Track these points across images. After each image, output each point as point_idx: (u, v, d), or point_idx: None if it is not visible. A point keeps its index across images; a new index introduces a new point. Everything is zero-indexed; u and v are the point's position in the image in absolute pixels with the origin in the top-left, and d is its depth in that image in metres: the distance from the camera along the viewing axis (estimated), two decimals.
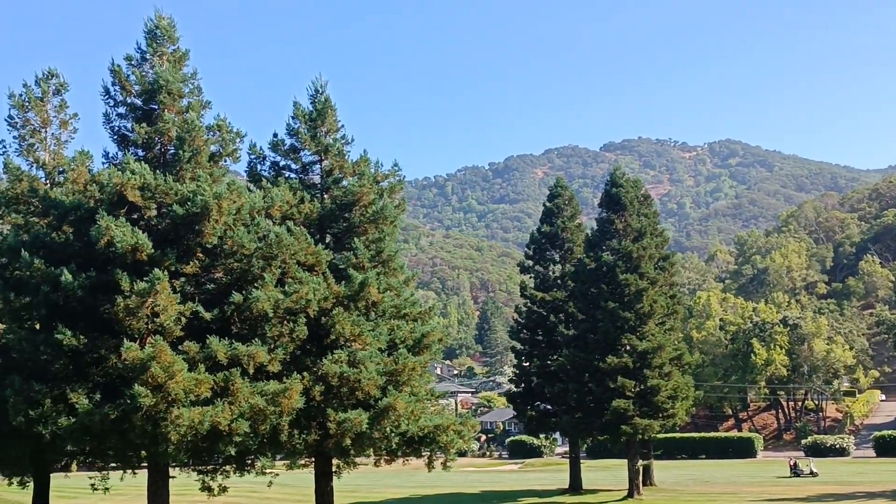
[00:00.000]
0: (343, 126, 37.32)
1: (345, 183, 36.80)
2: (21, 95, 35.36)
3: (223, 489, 34.52)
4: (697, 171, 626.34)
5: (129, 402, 27.23)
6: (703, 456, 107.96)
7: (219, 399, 28.58)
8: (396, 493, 78.61)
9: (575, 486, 72.33)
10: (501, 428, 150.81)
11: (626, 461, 67.36)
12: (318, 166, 37.22)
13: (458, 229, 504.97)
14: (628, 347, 63.04)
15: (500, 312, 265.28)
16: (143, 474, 34.77)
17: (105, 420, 27.47)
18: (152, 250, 29.25)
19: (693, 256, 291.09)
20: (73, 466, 43.69)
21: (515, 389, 78.16)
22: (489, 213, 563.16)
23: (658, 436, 73.39)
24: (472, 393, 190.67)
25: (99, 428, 27.68)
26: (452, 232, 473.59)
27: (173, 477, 33.65)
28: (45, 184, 35.03)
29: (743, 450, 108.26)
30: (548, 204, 78.76)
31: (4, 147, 35.18)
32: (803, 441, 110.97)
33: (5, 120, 35.33)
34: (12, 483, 34.76)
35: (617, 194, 67.58)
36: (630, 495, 64.46)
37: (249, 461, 32.96)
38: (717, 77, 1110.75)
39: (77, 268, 29.36)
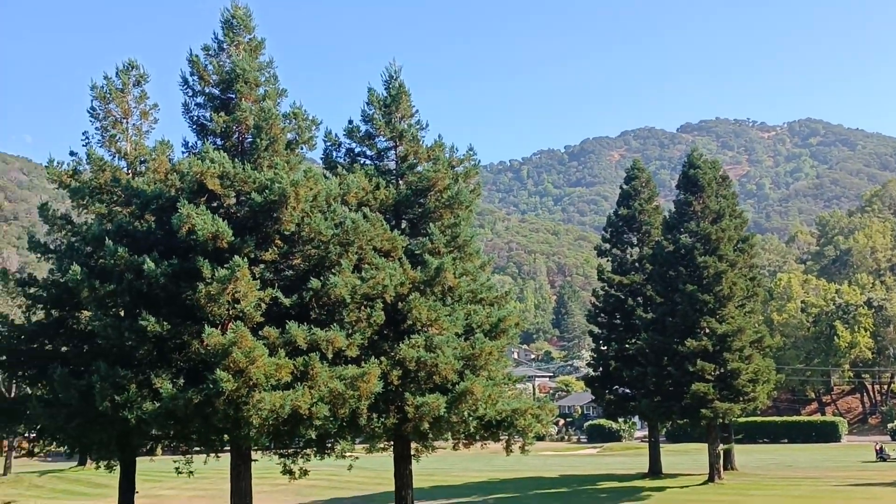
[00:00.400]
0: (417, 111, 37.44)
1: (420, 168, 36.89)
2: (103, 87, 36.15)
3: (304, 472, 34.98)
4: (777, 152, 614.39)
5: (211, 386, 27.71)
6: (786, 440, 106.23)
7: (299, 383, 28.92)
8: (475, 476, 78.91)
9: (655, 471, 71.80)
10: (579, 412, 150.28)
11: (706, 445, 66.62)
12: (392, 152, 37.37)
13: (534, 213, 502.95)
14: (707, 330, 62.26)
15: (578, 296, 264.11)
16: (225, 458, 35.43)
17: (188, 404, 28.00)
18: (232, 238, 29.69)
19: (773, 238, 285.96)
20: (158, 450, 44.70)
21: (593, 373, 77.79)
22: (565, 196, 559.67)
23: (739, 420, 72.29)
24: (550, 377, 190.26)
25: (183, 412, 28.22)
26: (528, 216, 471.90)
27: (255, 460, 34.20)
28: (127, 174, 35.79)
29: (826, 434, 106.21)
30: (625, 186, 78.15)
31: (88, 138, 36.05)
32: (889, 425, 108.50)
33: (88, 111, 36.18)
34: (99, 466, 35.70)
35: (695, 176, 66.67)
36: (711, 479, 63.78)
37: (329, 444, 33.36)
38: (796, 55, 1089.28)
39: (159, 256, 29.95)
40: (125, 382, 28.78)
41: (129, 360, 30.08)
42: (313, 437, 30.02)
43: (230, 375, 27.50)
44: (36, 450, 36.66)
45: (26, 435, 37.89)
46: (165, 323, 29.04)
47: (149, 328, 28.71)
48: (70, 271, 29.96)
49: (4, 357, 34.64)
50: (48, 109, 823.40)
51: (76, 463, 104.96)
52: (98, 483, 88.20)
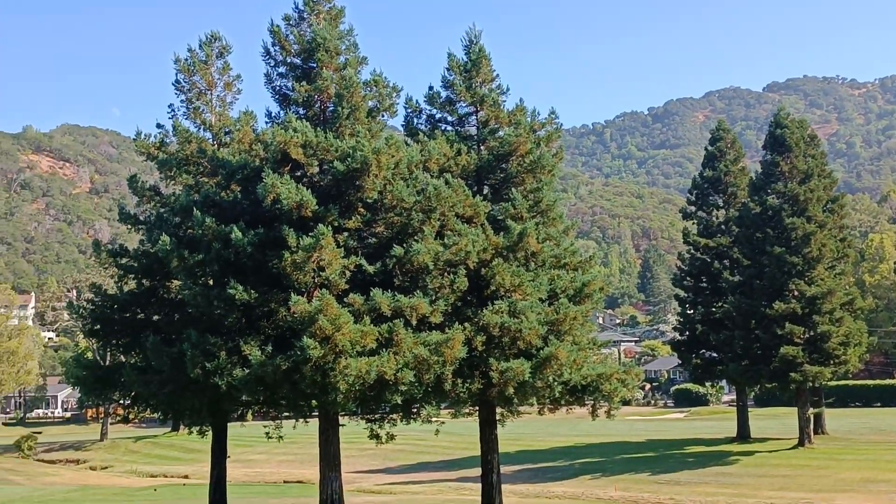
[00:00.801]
0: (498, 76, 37.15)
1: (501, 133, 36.67)
2: (186, 60, 36.67)
3: (391, 437, 35.36)
4: (868, 109, 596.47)
5: (298, 353, 28.10)
6: (878, 404, 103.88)
7: (384, 350, 29.15)
8: (561, 441, 79.06)
9: (743, 435, 71.05)
10: (666, 376, 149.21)
11: (795, 409, 65.68)
12: (473, 117, 37.19)
13: (617, 177, 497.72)
14: (796, 293, 61.22)
15: (663, 260, 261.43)
16: (314, 423, 35.96)
17: (277, 371, 28.45)
18: (316, 206, 29.98)
19: (864, 198, 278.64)
20: (249, 416, 45.68)
21: (680, 337, 77.16)
22: (649, 159, 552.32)
23: (830, 383, 71.00)
24: (636, 342, 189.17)
25: (272, 378, 28.69)
26: (612, 179, 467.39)
27: (343, 425, 34.67)
28: (213, 145, 36.31)
29: None
30: (710, 148, 77.00)
31: (173, 110, 36.66)
32: None
33: (173, 84, 36.77)
34: (192, 432, 36.56)
35: (782, 136, 65.32)
36: (801, 444, 62.89)
37: (415, 409, 33.62)
38: (887, 8, 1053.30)
39: (246, 225, 30.38)
40: (215, 350, 29.34)
41: (219, 328, 30.67)
42: (399, 402, 30.27)
43: (317, 342, 27.85)
44: (130, 416, 37.65)
45: (121, 402, 38.90)
46: (253, 291, 29.49)
47: (237, 296, 29.19)
48: (160, 241, 30.59)
49: (99, 326, 35.59)
50: (135, 82, 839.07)
51: (169, 429, 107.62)
52: (191, 448, 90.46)
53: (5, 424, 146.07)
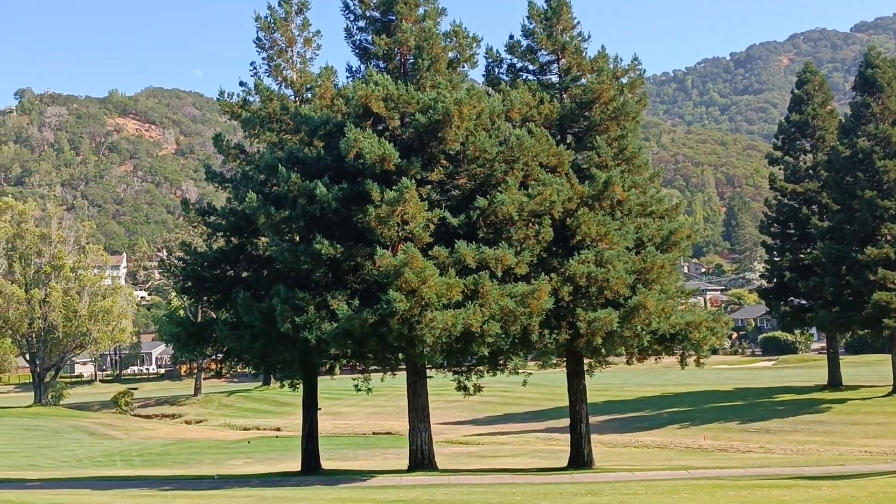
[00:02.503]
0: (579, 23, 36.54)
1: (583, 81, 36.16)
2: (266, 17, 36.77)
3: (478, 388, 35.55)
4: None
5: (385, 307, 28.30)
6: None
7: (469, 302, 29.21)
8: (648, 391, 78.63)
9: (834, 383, 69.82)
10: (752, 325, 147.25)
11: (889, 356, 64.26)
12: (555, 66, 36.71)
13: (699, 124, 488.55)
14: (889, 237, 59.66)
15: (748, 207, 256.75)
16: (401, 376, 36.34)
17: (364, 324, 28.71)
18: (399, 159, 30.02)
19: None
20: (337, 370, 46.29)
21: (767, 285, 75.95)
22: (732, 105, 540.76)
23: None
24: (721, 290, 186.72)
25: (359, 332, 28.97)
26: (694, 127, 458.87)
27: (430, 377, 34.96)
28: (295, 101, 36.47)
29: None
30: (796, 91, 75.08)
31: (255, 69, 36.85)
32: None
33: (254, 42, 36.93)
34: (283, 385, 37.18)
35: (872, 76, 63.32)
36: (895, 391, 61.56)
37: (502, 361, 33.66)
38: None
39: (329, 180, 30.58)
40: (304, 304, 29.72)
41: (307, 283, 31.05)
42: (486, 353, 30.29)
43: (403, 295, 28.00)
44: (223, 370, 38.49)
45: (214, 357, 39.75)
46: (338, 246, 29.76)
47: (323, 251, 29.47)
48: (247, 199, 30.98)
49: (190, 283, 36.27)
50: (216, 44, 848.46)
51: (261, 383, 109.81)
52: (282, 402, 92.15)
53: (102, 381, 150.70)
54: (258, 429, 76.80)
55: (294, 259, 30.42)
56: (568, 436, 57.96)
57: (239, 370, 40.69)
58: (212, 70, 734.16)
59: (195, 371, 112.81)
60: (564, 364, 36.43)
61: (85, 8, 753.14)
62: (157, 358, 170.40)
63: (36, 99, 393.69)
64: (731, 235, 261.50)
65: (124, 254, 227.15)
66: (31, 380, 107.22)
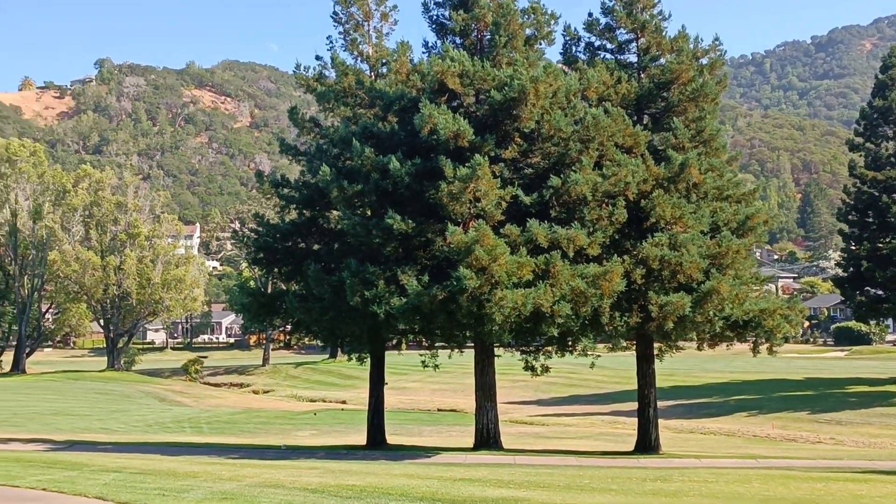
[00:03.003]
0: (659, 1, 35.90)
1: (662, 61, 35.52)
2: None
3: (545, 369, 35.31)
4: None
5: (454, 283, 28.18)
6: None
7: (540, 281, 28.94)
8: (716, 377, 77.71)
9: None
10: (825, 314, 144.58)
11: None
12: (634, 45, 36.11)
13: (777, 108, 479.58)
14: None
15: (825, 194, 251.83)
16: (468, 353, 36.25)
17: (434, 300, 28.62)
18: (473, 136, 29.81)
19: None
20: (403, 345, 46.42)
21: (843, 274, 74.40)
22: (811, 90, 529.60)
23: None
24: (794, 278, 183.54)
25: (428, 308, 28.89)
26: (771, 111, 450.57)
27: (498, 356, 34.82)
28: (370, 76, 36.45)
29: None
30: (880, 76, 73.15)
31: (331, 43, 36.90)
32: None
33: (331, 17, 37.02)
34: (351, 359, 37.37)
35: None
36: None
37: (570, 342, 33.37)
38: None
39: (403, 156, 30.50)
40: (374, 279, 29.73)
41: (377, 258, 31.06)
42: (555, 334, 30.03)
43: (473, 273, 27.85)
44: (292, 342, 38.79)
45: (283, 328, 40.09)
46: (410, 221, 29.70)
47: (394, 226, 29.44)
48: (320, 172, 31.07)
49: (262, 255, 36.53)
50: (293, 17, 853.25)
51: (327, 356, 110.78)
52: (348, 375, 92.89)
53: (173, 349, 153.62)
54: (324, 401, 77.48)
55: (365, 233, 30.46)
56: (634, 419, 57.54)
57: (307, 342, 40.92)
58: (288, 44, 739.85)
59: (264, 342, 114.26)
60: (633, 347, 36.03)
61: None
62: (226, 327, 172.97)
63: (115, 69, 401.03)
64: (805, 222, 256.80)
65: (198, 224, 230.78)
66: (105, 345, 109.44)
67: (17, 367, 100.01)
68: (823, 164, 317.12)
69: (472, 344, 33.98)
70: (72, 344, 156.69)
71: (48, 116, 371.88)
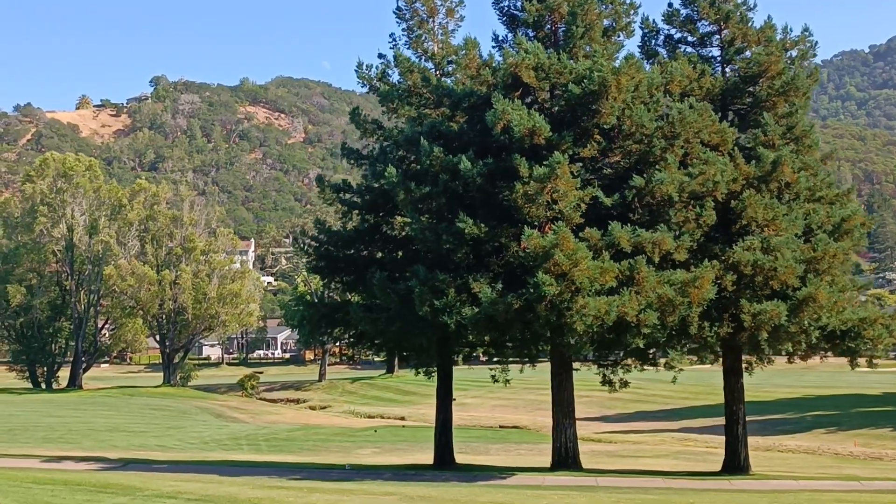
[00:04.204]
0: None
1: (748, 53, 33.20)
2: None
3: (624, 383, 33.17)
4: None
5: (531, 291, 26.14)
6: None
7: (624, 288, 26.78)
8: (788, 392, 75.03)
9: None
10: None
11: None
12: (716, 37, 33.75)
13: (835, 119, 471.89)
14: None
15: (888, 205, 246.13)
16: (539, 368, 34.18)
17: (509, 310, 26.58)
18: (550, 133, 27.76)
19: None
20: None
21: None
22: (870, 99, 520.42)
23: None
24: (858, 290, 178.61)
25: (503, 318, 26.84)
26: (830, 122, 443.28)
27: (577, 369, 32.69)
28: (435, 74, 34.54)
29: None
30: None
31: (395, 40, 35.03)
32: None
33: (394, 13, 35.15)
34: (418, 373, 35.32)
35: None
36: None
37: (651, 354, 31.06)
38: None
39: (473, 156, 28.50)
40: (443, 287, 27.78)
41: (446, 265, 29.04)
42: (640, 345, 27.83)
43: (552, 279, 25.77)
44: (352, 355, 36.89)
45: (345, 340, 38.21)
46: (483, 225, 27.67)
47: (466, 230, 27.47)
48: (386, 173, 29.14)
49: (323, 263, 34.71)
50: (344, 35, 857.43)
51: (384, 371, 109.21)
52: (406, 391, 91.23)
53: (228, 364, 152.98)
54: (382, 417, 75.80)
55: (434, 238, 28.46)
56: (705, 437, 55.24)
57: (363, 357, 39.12)
58: (339, 61, 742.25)
59: (319, 356, 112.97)
60: (721, 361, 33.58)
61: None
62: (282, 343, 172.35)
63: (170, 86, 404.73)
64: (870, 233, 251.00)
65: (252, 239, 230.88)
66: (161, 360, 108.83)
67: (74, 383, 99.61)
68: (886, 175, 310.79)
69: (548, 357, 31.84)
70: (128, 360, 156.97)
71: (105, 134, 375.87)
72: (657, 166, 28.43)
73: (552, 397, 31.40)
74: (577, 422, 66.52)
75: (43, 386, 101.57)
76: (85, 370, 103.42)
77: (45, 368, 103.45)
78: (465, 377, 72.84)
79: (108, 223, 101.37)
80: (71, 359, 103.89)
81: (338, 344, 35.42)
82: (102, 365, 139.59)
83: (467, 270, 28.68)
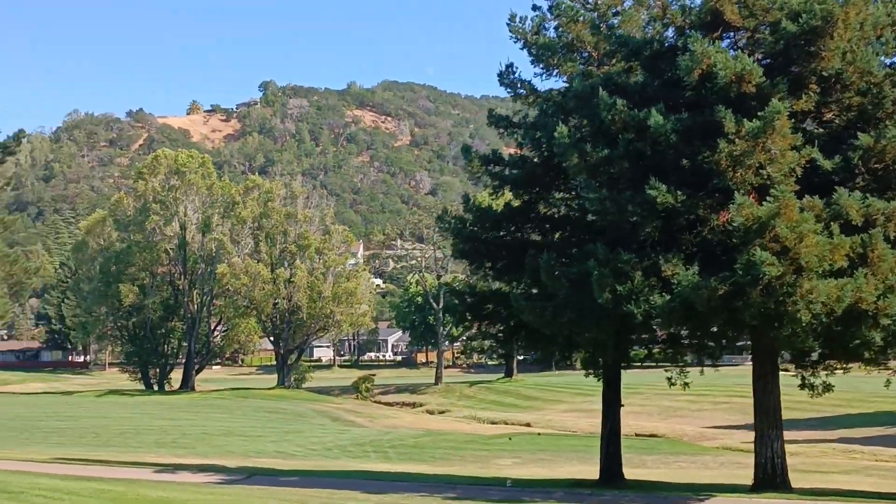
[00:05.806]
0: None
1: None
2: None
3: (828, 387, 27.73)
4: None
5: (741, 273, 21.11)
6: None
7: (856, 269, 21.53)
8: None
9: None
10: None
11: None
12: None
13: None
14: None
15: None
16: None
17: (713, 296, 21.59)
18: (762, 78, 22.65)
19: None
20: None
21: None
22: None
23: None
24: None
25: (705, 306, 21.84)
26: None
27: (785, 369, 27.42)
28: (600, 25, 29.60)
29: None
30: None
31: None
32: None
33: None
34: (588, 375, 30.22)
35: None
36: None
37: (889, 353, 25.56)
38: None
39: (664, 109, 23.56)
40: (628, 269, 22.92)
41: (631, 242, 24.12)
42: (878, 340, 22.45)
43: (773, 256, 20.69)
44: (514, 352, 32.04)
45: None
46: (679, 192, 22.69)
47: (659, 199, 22.51)
48: (556, 133, 24.28)
49: (469, 246, 30.01)
50: (447, 40, 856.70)
51: (502, 374, 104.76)
52: (527, 395, 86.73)
53: (340, 366, 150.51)
54: (506, 423, 71.27)
55: (617, 210, 23.48)
56: (871, 448, 49.05)
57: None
58: (443, 66, 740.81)
59: (431, 359, 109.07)
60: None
61: (325, 2, 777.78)
62: (392, 345, 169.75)
63: (279, 91, 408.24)
64: None
65: (360, 242, 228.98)
66: (275, 361, 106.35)
67: (186, 385, 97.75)
68: None
69: (753, 355, 26.56)
70: (240, 361, 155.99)
71: (215, 139, 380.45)
72: (887, 122, 23.13)
73: (755, 403, 26.04)
74: (719, 429, 61.24)
75: (155, 388, 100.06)
76: (198, 372, 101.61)
77: (158, 370, 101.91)
78: (585, 382, 67.83)
79: (221, 221, 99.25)
80: (183, 360, 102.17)
81: (485, 341, 30.27)
82: (214, 367, 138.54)
83: (653, 249, 23.78)
